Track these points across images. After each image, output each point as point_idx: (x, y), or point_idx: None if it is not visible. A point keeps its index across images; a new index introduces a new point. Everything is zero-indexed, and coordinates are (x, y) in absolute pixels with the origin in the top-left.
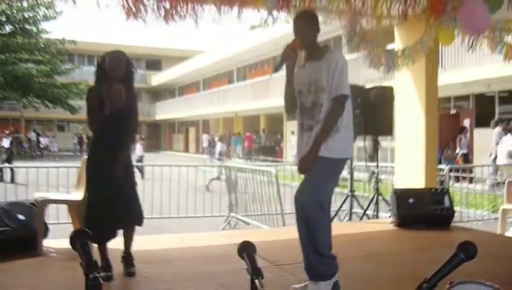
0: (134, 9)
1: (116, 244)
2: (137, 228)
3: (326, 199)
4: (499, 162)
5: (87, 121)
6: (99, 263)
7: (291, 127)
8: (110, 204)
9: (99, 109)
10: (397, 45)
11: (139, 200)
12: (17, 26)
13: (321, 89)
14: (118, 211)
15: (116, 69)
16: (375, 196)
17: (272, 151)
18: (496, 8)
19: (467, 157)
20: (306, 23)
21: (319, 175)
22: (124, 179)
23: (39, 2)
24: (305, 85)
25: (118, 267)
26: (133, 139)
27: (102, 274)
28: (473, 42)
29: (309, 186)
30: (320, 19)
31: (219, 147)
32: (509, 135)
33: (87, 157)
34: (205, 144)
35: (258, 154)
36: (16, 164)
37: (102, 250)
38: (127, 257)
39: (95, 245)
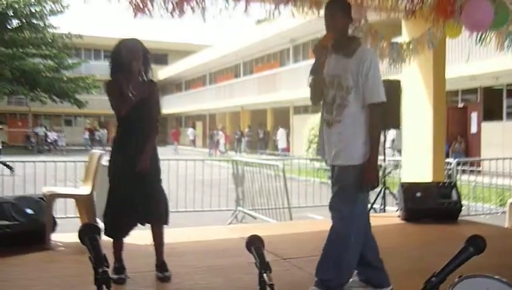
0: (141, 5)
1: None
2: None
3: (364, 208)
4: None
5: (115, 111)
6: (109, 257)
7: (298, 121)
8: (131, 199)
9: (121, 97)
10: (404, 37)
11: (165, 197)
12: (24, 20)
13: (345, 88)
14: (140, 207)
15: (134, 58)
16: (383, 189)
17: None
18: (503, 22)
19: None
20: (336, 10)
21: (351, 186)
22: (149, 174)
23: None
24: (328, 77)
25: (130, 264)
26: (156, 130)
27: (114, 277)
28: (481, 36)
29: (344, 199)
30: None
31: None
32: None
33: (110, 149)
34: (191, 137)
35: (262, 148)
36: (23, 158)
37: (117, 248)
38: (160, 264)
39: (107, 240)
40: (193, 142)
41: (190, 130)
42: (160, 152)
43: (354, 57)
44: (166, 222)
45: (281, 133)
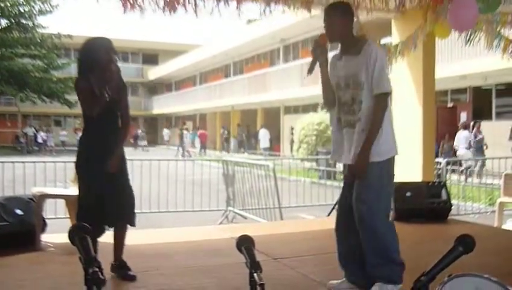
0: (131, 1)
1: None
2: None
3: (388, 204)
4: None
5: (85, 110)
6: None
7: (288, 121)
8: (101, 200)
9: (93, 97)
10: (394, 38)
11: (132, 198)
12: (12, 20)
13: (359, 84)
14: (108, 208)
15: (112, 59)
16: None
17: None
18: (494, 7)
19: None
20: (335, 16)
21: (376, 182)
22: (119, 174)
23: None
24: (341, 79)
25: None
26: (127, 133)
27: None
28: (470, 36)
29: (370, 194)
30: (316, 12)
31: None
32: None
33: (77, 150)
34: (166, 138)
35: (251, 148)
36: (13, 158)
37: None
38: (120, 265)
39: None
40: (168, 142)
41: (165, 131)
42: (152, 152)
43: (362, 53)
44: (133, 223)
45: (263, 133)
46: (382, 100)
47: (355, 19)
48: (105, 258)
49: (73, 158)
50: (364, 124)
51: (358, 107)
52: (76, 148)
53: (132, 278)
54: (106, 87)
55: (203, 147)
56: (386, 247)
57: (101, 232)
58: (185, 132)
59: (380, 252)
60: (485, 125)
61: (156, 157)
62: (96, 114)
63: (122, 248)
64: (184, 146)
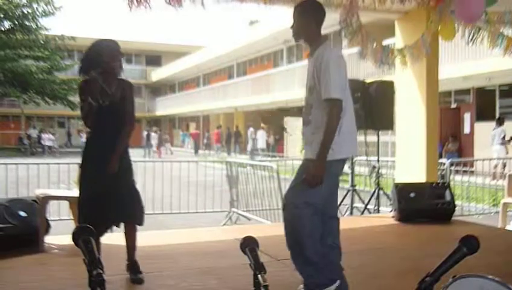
0: None
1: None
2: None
3: (316, 201)
4: None
5: (82, 117)
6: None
7: (291, 122)
8: (104, 200)
9: (85, 104)
10: (397, 39)
11: (139, 198)
12: (16, 22)
13: (309, 89)
14: (110, 207)
15: (112, 59)
16: (376, 190)
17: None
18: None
19: None
20: (295, 14)
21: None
22: (120, 175)
23: None
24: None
25: (117, 265)
26: (130, 133)
27: None
28: (473, 36)
29: (298, 188)
30: None
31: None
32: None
33: (82, 152)
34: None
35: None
36: (16, 160)
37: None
38: (132, 265)
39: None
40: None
41: (153, 134)
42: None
43: (313, 56)
44: (140, 222)
45: (260, 134)
46: (332, 106)
47: (354, 19)
48: (111, 259)
49: (76, 160)
50: (315, 128)
51: (308, 110)
52: (79, 150)
53: (139, 282)
54: (100, 94)
55: (196, 147)
56: (303, 246)
57: (101, 232)
58: (152, 133)
59: (301, 252)
60: (488, 126)
61: (159, 159)
62: (90, 122)
63: (134, 248)
64: (148, 147)
